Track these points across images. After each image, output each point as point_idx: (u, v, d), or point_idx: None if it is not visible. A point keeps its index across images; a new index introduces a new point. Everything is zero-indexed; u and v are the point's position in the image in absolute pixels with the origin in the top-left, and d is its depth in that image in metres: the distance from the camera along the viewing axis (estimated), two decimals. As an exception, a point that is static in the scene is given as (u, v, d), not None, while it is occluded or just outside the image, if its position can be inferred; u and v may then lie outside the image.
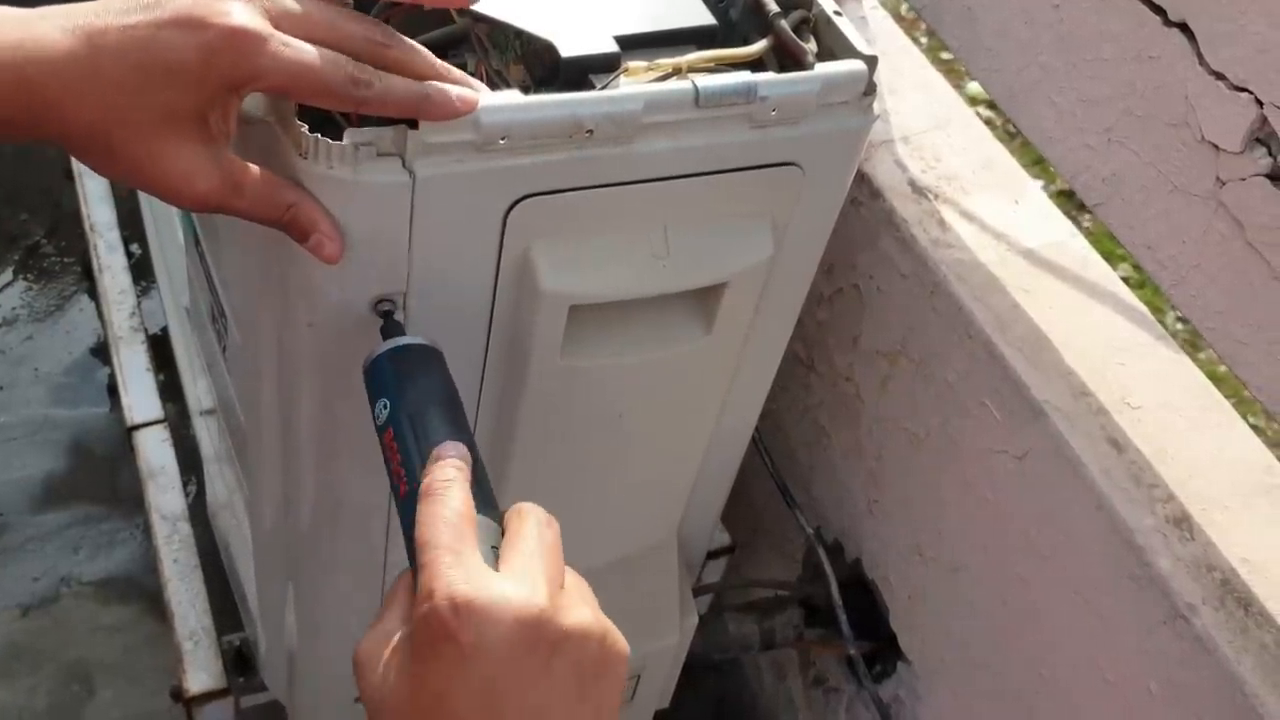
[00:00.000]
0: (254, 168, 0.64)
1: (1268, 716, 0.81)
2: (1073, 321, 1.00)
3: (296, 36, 0.60)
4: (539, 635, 0.52)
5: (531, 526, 0.57)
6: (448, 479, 0.58)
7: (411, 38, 0.69)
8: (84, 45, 0.57)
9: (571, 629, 0.53)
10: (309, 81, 0.60)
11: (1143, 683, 0.90)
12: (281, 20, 0.60)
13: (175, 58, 0.58)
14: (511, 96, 0.69)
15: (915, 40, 1.25)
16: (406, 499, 0.61)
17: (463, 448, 0.61)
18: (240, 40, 0.58)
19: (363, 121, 0.68)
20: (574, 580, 0.57)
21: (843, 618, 1.16)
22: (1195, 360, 1.01)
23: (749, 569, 1.41)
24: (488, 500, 0.60)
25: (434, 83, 0.64)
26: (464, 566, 0.53)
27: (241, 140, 0.67)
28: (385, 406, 0.65)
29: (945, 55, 1.85)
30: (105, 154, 0.60)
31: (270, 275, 0.76)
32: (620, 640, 0.55)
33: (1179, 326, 1.91)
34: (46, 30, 0.58)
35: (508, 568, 0.54)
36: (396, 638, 0.54)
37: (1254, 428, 0.98)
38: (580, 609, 0.54)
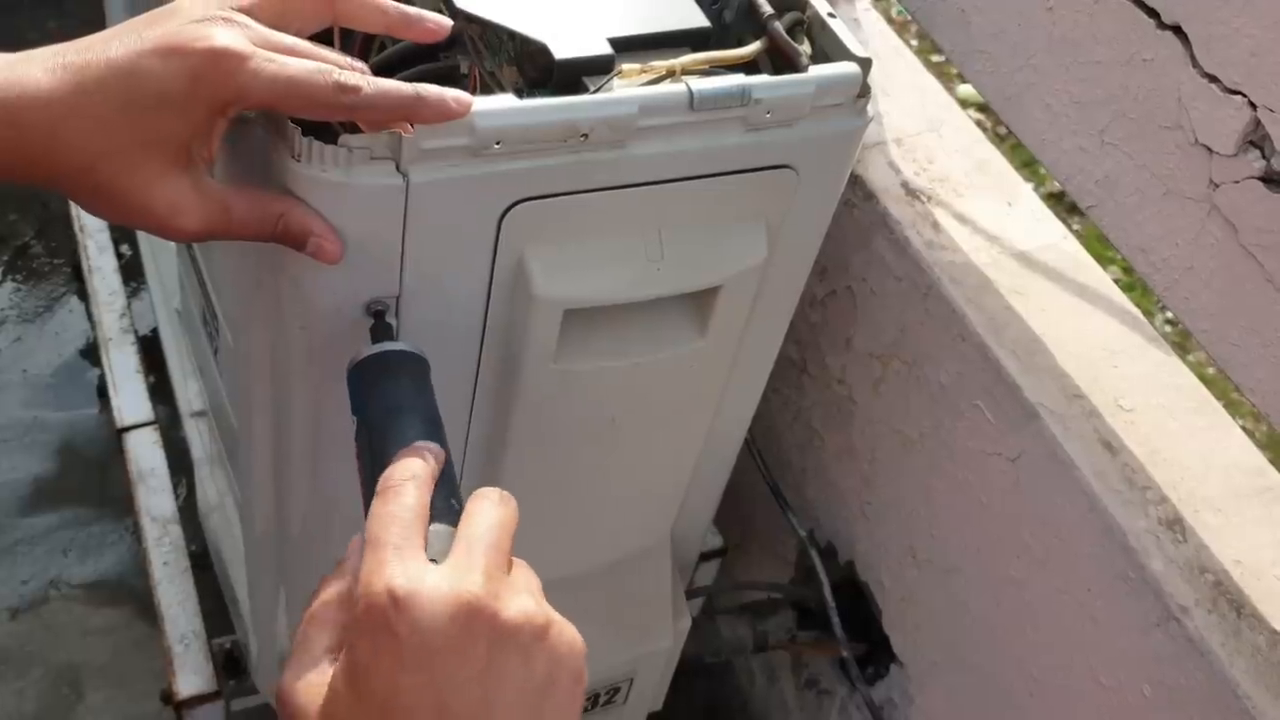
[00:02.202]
0: (237, 188, 0.64)
1: (1260, 718, 0.81)
2: (1066, 324, 1.00)
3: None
4: (475, 621, 0.51)
5: (483, 512, 0.56)
6: (405, 477, 0.58)
7: (405, 40, 0.69)
8: (68, 83, 0.58)
9: (512, 618, 0.52)
10: (296, 94, 0.60)
11: (1135, 685, 0.90)
12: (263, 44, 0.60)
13: (160, 85, 0.58)
14: (506, 100, 0.68)
15: (905, 43, 1.25)
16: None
17: (434, 447, 0.61)
18: (222, 60, 0.58)
19: (357, 130, 0.68)
20: (521, 571, 0.56)
21: (835, 620, 1.16)
22: (1184, 362, 1.01)
23: (742, 571, 1.41)
24: (451, 508, 0.60)
25: (427, 85, 0.64)
26: (404, 562, 0.52)
27: (235, 143, 0.67)
28: (354, 421, 0.66)
29: (935, 58, 1.86)
30: (93, 190, 0.60)
31: (262, 278, 0.75)
32: (568, 632, 0.54)
33: (1168, 329, 1.92)
34: (31, 71, 0.58)
35: (449, 560, 0.54)
36: (327, 660, 0.53)
37: (1243, 429, 0.98)
38: (522, 597, 0.53)
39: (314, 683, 0.52)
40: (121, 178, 0.59)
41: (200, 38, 0.58)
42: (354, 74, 0.61)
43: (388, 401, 0.65)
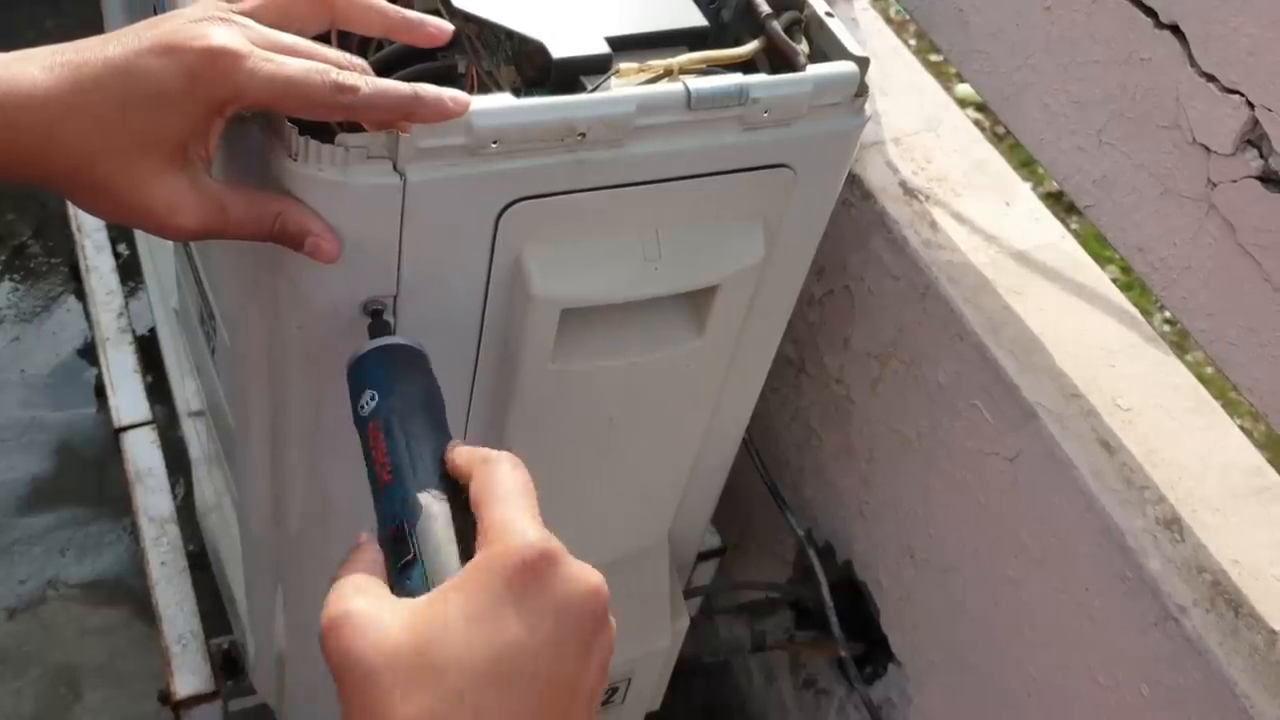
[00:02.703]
0: (234, 187, 0.65)
1: (1258, 718, 0.81)
2: (1064, 323, 1.00)
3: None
4: (600, 596, 0.54)
5: (515, 476, 0.58)
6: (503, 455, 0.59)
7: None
8: (66, 81, 0.58)
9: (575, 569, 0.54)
10: (293, 93, 0.60)
11: (1133, 684, 0.90)
12: (261, 44, 0.60)
13: (157, 85, 0.58)
14: (503, 100, 0.68)
15: (903, 42, 1.25)
16: (388, 490, 0.61)
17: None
18: (219, 59, 0.58)
19: (355, 129, 0.67)
20: None
21: (834, 619, 1.16)
22: (1182, 362, 1.01)
23: (740, 571, 1.41)
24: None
25: (425, 84, 0.64)
26: (537, 523, 0.54)
27: (233, 142, 0.67)
28: (373, 398, 0.65)
29: (934, 57, 1.86)
30: (90, 189, 0.60)
31: (259, 278, 0.75)
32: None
33: (1166, 328, 1.92)
34: (28, 70, 0.58)
35: (530, 517, 0.55)
36: (423, 599, 0.52)
37: (1240, 429, 0.98)
38: None
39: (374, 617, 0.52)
40: (119, 176, 0.60)
41: (197, 37, 0.58)
42: (352, 74, 0.61)
43: (409, 390, 0.65)
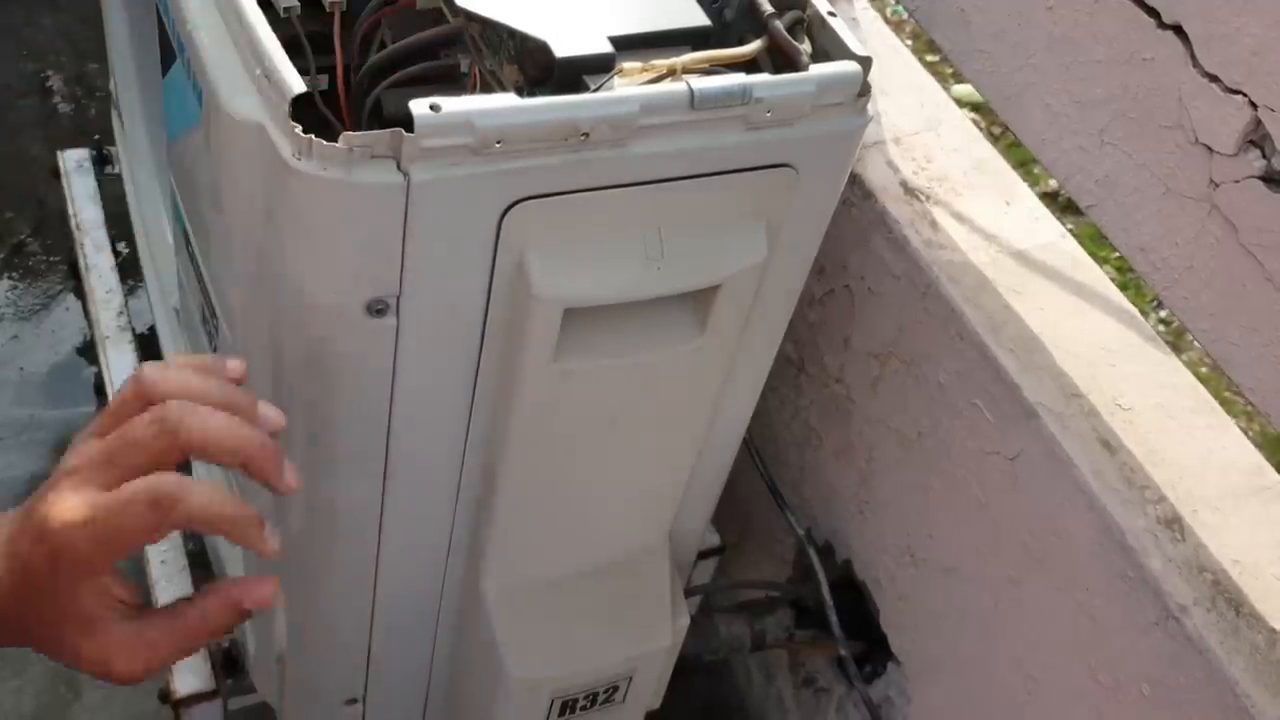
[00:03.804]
0: (148, 618, 0.63)
1: (1259, 717, 0.82)
2: (1064, 323, 1.00)
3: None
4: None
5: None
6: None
7: (406, 38, 0.69)
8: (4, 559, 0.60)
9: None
10: (119, 543, 0.59)
11: (1134, 684, 0.90)
12: (102, 479, 0.60)
13: (36, 571, 0.59)
14: (507, 99, 0.68)
15: (901, 42, 1.25)
16: None
17: None
18: (65, 545, 0.58)
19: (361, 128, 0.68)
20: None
21: (833, 618, 1.16)
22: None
23: (739, 570, 1.41)
24: None
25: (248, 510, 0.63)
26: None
27: (236, 141, 0.67)
28: None
29: (930, 57, 1.86)
30: (42, 649, 0.62)
31: (262, 277, 0.75)
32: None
33: (1161, 328, 1.92)
34: None
35: None
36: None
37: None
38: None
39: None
40: (49, 644, 0.61)
41: (48, 519, 0.59)
42: (166, 485, 0.59)
43: None
